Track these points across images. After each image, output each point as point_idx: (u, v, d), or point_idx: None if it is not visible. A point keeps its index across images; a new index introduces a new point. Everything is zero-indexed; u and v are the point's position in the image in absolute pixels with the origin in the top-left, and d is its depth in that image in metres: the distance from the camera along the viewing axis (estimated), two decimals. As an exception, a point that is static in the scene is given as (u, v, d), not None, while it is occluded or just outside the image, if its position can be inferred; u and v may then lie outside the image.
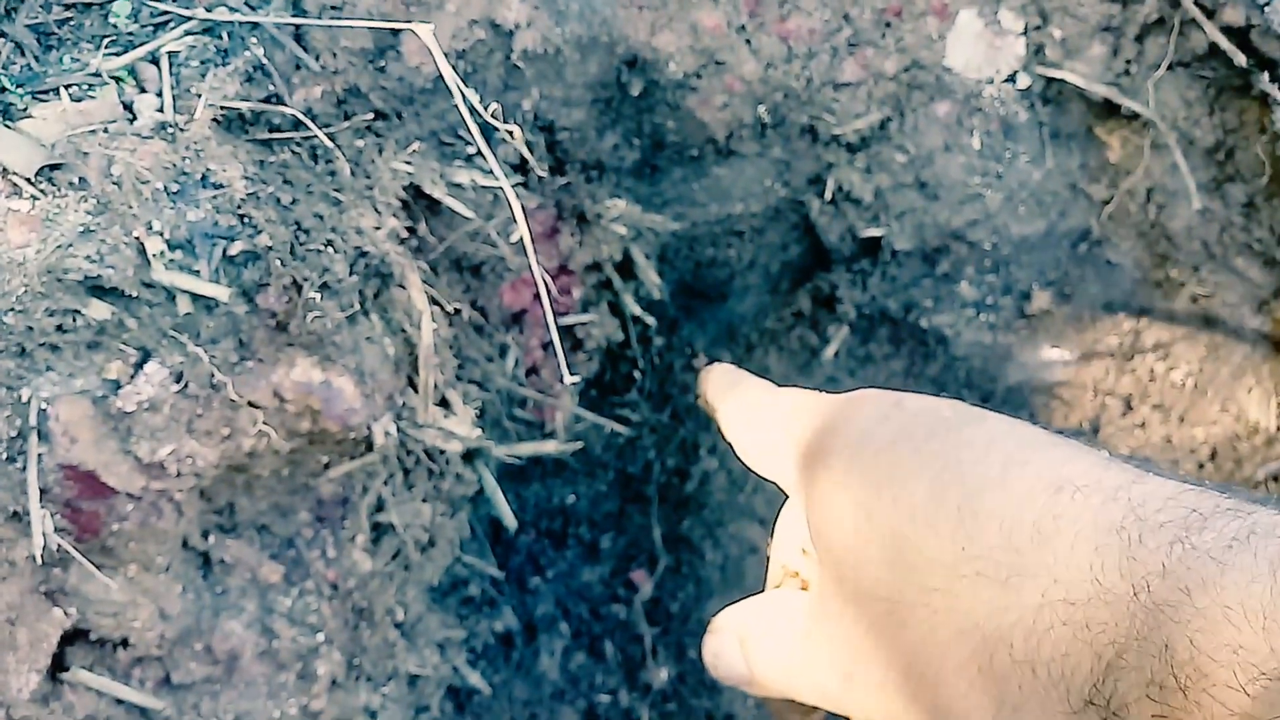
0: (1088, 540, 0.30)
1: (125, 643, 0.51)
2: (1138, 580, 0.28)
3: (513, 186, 0.57)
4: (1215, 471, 0.70)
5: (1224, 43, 0.60)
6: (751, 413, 0.45)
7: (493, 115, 0.54)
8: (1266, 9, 0.58)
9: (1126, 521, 0.29)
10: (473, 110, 0.52)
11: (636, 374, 0.75)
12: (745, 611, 0.44)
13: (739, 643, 0.43)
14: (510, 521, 0.63)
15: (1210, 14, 0.60)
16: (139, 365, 0.47)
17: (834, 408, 0.41)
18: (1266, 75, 0.60)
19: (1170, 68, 0.63)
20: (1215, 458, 0.70)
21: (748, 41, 0.64)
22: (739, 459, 0.46)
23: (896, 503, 0.34)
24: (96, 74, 0.50)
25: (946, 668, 0.33)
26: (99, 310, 0.46)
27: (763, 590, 0.47)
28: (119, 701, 0.52)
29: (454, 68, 0.57)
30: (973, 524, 0.32)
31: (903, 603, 0.34)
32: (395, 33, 0.56)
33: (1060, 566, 0.30)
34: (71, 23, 0.53)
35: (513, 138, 0.57)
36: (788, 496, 0.45)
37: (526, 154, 0.60)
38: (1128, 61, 0.64)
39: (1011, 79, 0.66)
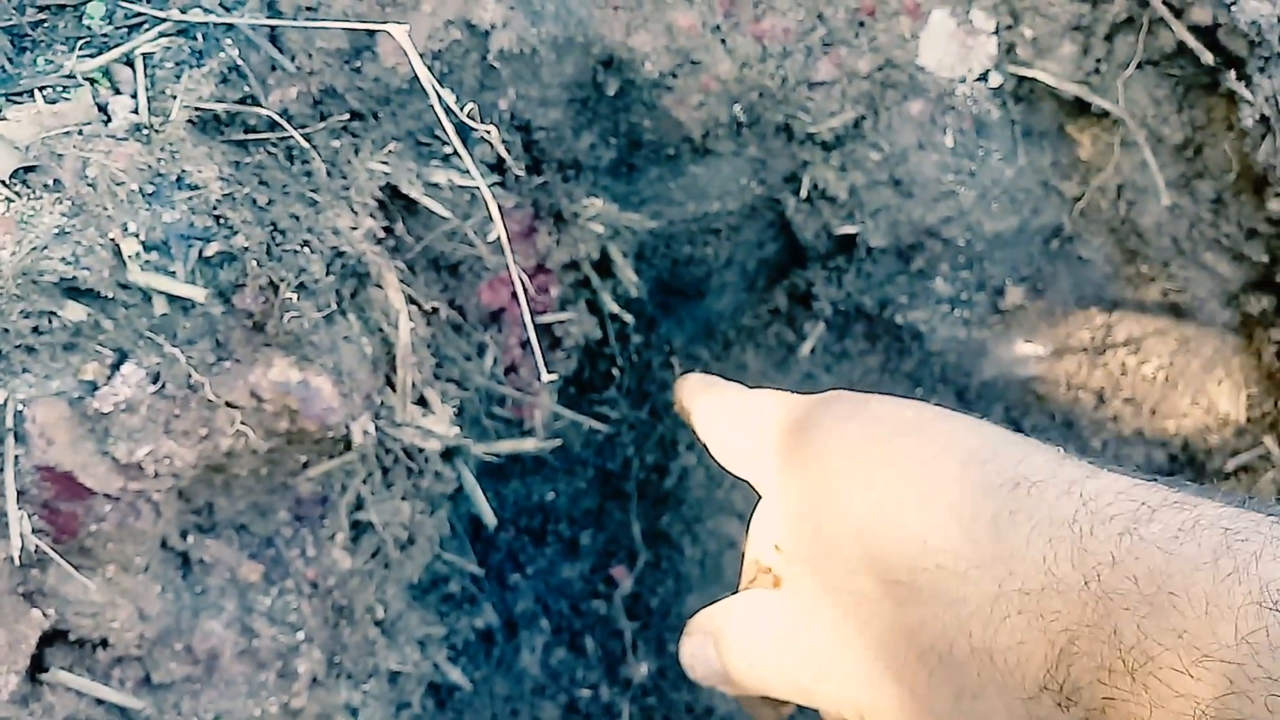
0: (1042, 533, 0.31)
1: (105, 643, 0.51)
2: (1088, 570, 0.29)
3: (489, 186, 0.57)
4: (1187, 463, 0.71)
5: (1192, 41, 0.61)
6: (725, 414, 0.46)
7: (469, 115, 0.54)
8: (1233, 8, 0.59)
9: (1079, 515, 0.30)
10: (449, 110, 0.53)
11: (615, 371, 0.76)
12: (719, 612, 0.45)
13: (714, 643, 0.44)
14: (490, 519, 0.63)
15: (1178, 13, 0.61)
16: (116, 366, 0.48)
17: (805, 409, 0.42)
18: (1233, 73, 0.60)
19: (1139, 66, 0.64)
20: (1186, 450, 0.71)
21: (723, 41, 0.64)
22: (714, 459, 0.47)
23: (863, 499, 0.36)
24: (71, 76, 0.50)
25: (910, 658, 0.34)
26: (75, 312, 0.46)
27: (736, 587, 0.48)
28: (99, 702, 0.52)
29: (430, 68, 0.57)
30: (934, 519, 0.33)
31: (869, 596, 0.35)
32: (371, 33, 0.56)
33: (1016, 559, 0.31)
34: (45, 24, 0.53)
35: (489, 137, 0.57)
36: (760, 496, 0.46)
37: (503, 153, 0.60)
38: (1098, 60, 0.65)
39: (984, 78, 0.67)
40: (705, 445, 0.48)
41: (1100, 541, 0.29)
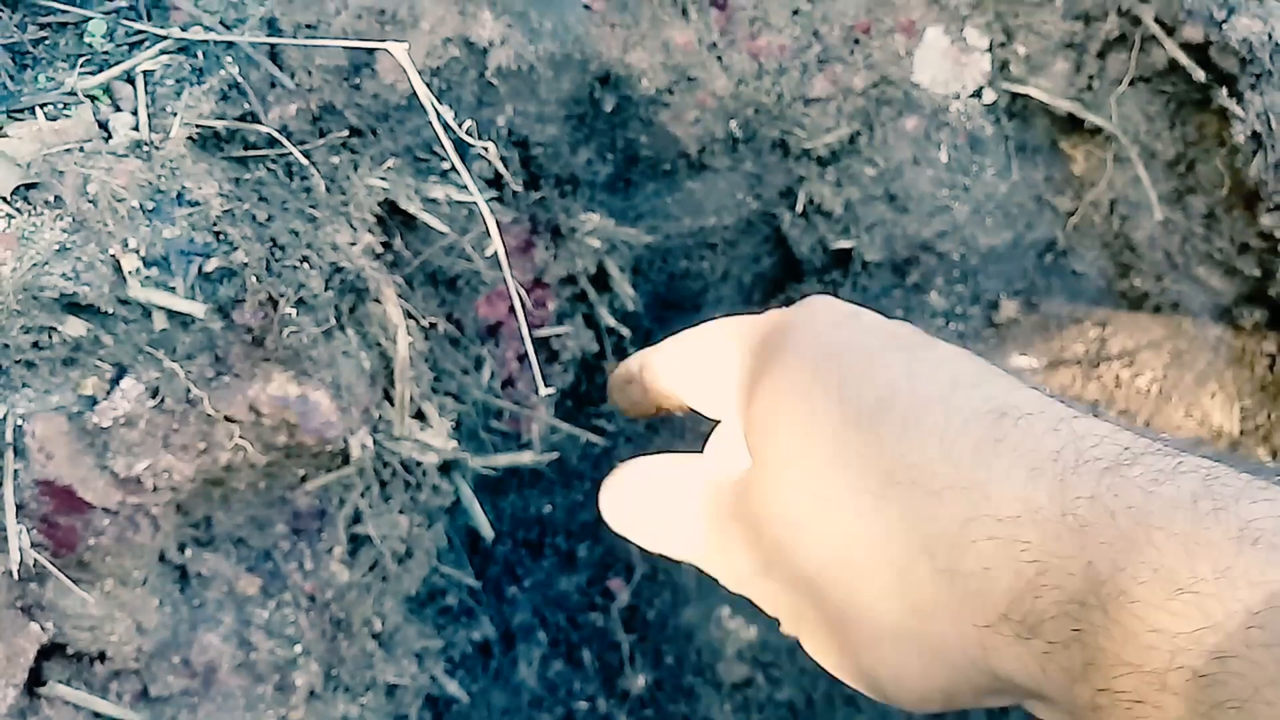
0: (1024, 463, 0.30)
1: (102, 656, 0.52)
2: (1067, 503, 0.29)
3: (487, 201, 0.57)
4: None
5: (1183, 59, 0.62)
6: (686, 349, 0.44)
7: (467, 132, 0.55)
8: (1224, 26, 0.59)
9: (1064, 451, 0.30)
10: (447, 127, 0.53)
11: (612, 385, 0.76)
12: (661, 465, 0.43)
13: (646, 493, 0.43)
14: (487, 532, 0.63)
15: (1170, 31, 0.62)
16: (115, 381, 0.48)
17: (785, 313, 0.40)
18: (1225, 90, 0.61)
19: (1132, 83, 0.64)
20: (1180, 463, 0.72)
21: (719, 58, 0.65)
22: (686, 407, 0.44)
23: (843, 404, 0.35)
24: (72, 93, 0.50)
25: (865, 569, 0.33)
26: (75, 327, 0.47)
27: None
28: (96, 715, 0.52)
29: (428, 85, 0.58)
30: (915, 435, 0.33)
31: (832, 500, 0.34)
32: (370, 50, 0.56)
33: (994, 485, 0.31)
34: (47, 42, 0.53)
35: (487, 154, 0.58)
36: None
37: (501, 169, 0.60)
38: (1090, 77, 0.66)
39: (978, 94, 0.68)
40: (667, 409, 0.45)
41: (1081, 478, 0.29)
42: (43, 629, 0.49)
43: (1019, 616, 0.29)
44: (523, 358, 0.67)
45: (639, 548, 0.71)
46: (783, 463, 0.36)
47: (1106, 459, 0.29)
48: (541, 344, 0.69)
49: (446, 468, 0.61)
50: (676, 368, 0.44)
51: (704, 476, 0.41)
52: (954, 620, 0.31)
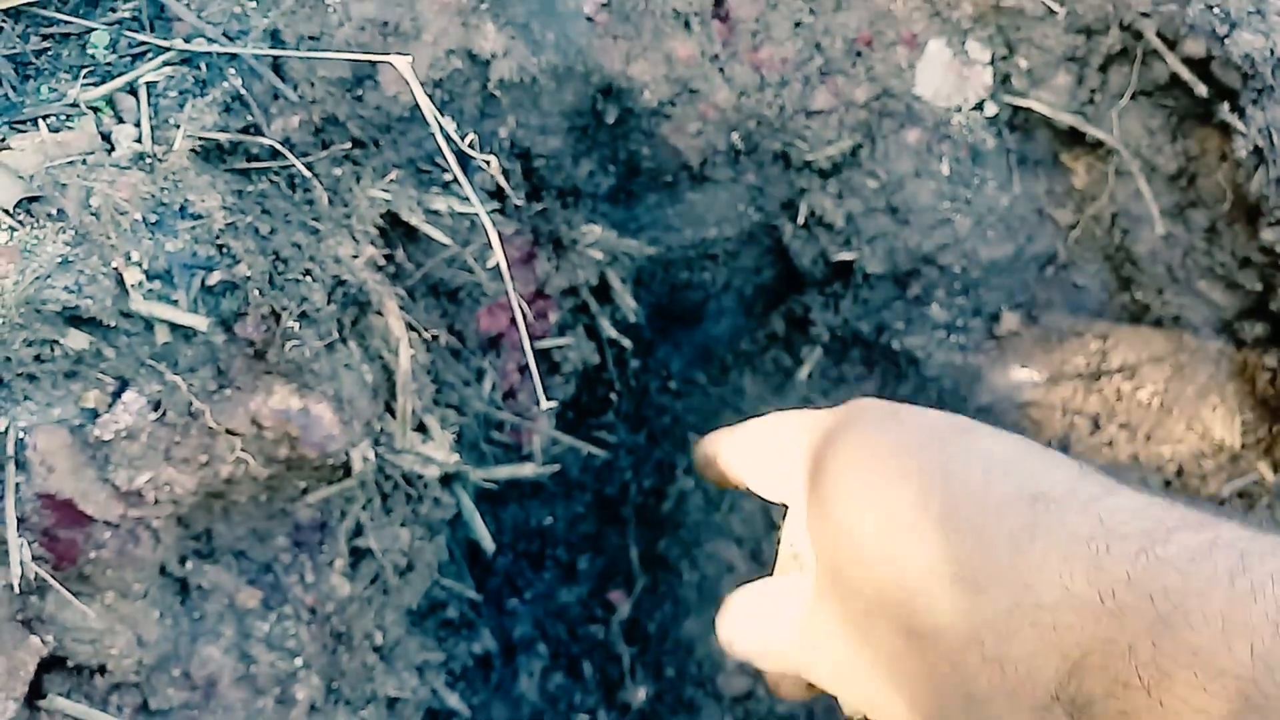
0: (1059, 549, 0.31)
1: (103, 669, 0.51)
2: (1104, 587, 0.30)
3: (489, 213, 0.57)
4: (1182, 488, 0.72)
5: (1185, 73, 0.62)
6: (752, 442, 0.47)
7: (470, 144, 0.55)
8: (1226, 41, 0.59)
9: (1096, 533, 0.31)
10: (449, 139, 0.53)
11: (613, 396, 0.76)
12: (755, 591, 0.46)
13: (749, 621, 0.45)
14: (489, 545, 0.63)
15: (1172, 45, 0.62)
16: (117, 394, 0.48)
17: (834, 418, 0.42)
18: (1227, 105, 0.61)
19: (1133, 97, 0.65)
20: (1181, 475, 0.72)
21: (721, 70, 0.65)
22: (752, 495, 0.48)
23: (886, 509, 0.36)
24: (74, 105, 0.50)
25: (923, 664, 0.34)
26: (77, 340, 0.46)
27: (770, 574, 0.48)
28: (96, 728, 0.52)
29: (431, 96, 0.58)
30: (953, 532, 0.34)
31: (887, 602, 0.36)
32: (373, 62, 0.56)
33: (1032, 573, 0.32)
34: (49, 53, 0.53)
35: (489, 166, 0.58)
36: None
37: (503, 181, 0.60)
38: (1092, 91, 0.66)
39: (979, 107, 0.68)
40: (736, 486, 0.48)
41: (1116, 560, 0.30)
42: (43, 642, 0.49)
43: (1068, 698, 0.30)
44: (524, 369, 0.67)
45: (636, 558, 0.71)
46: (837, 573, 0.38)
47: (1140, 536, 0.30)
48: (543, 356, 0.68)
49: (447, 480, 0.61)
50: (744, 460, 0.47)
51: (789, 596, 0.44)
52: (1010, 705, 0.32)
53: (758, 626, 0.45)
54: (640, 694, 0.75)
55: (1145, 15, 0.62)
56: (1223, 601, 0.27)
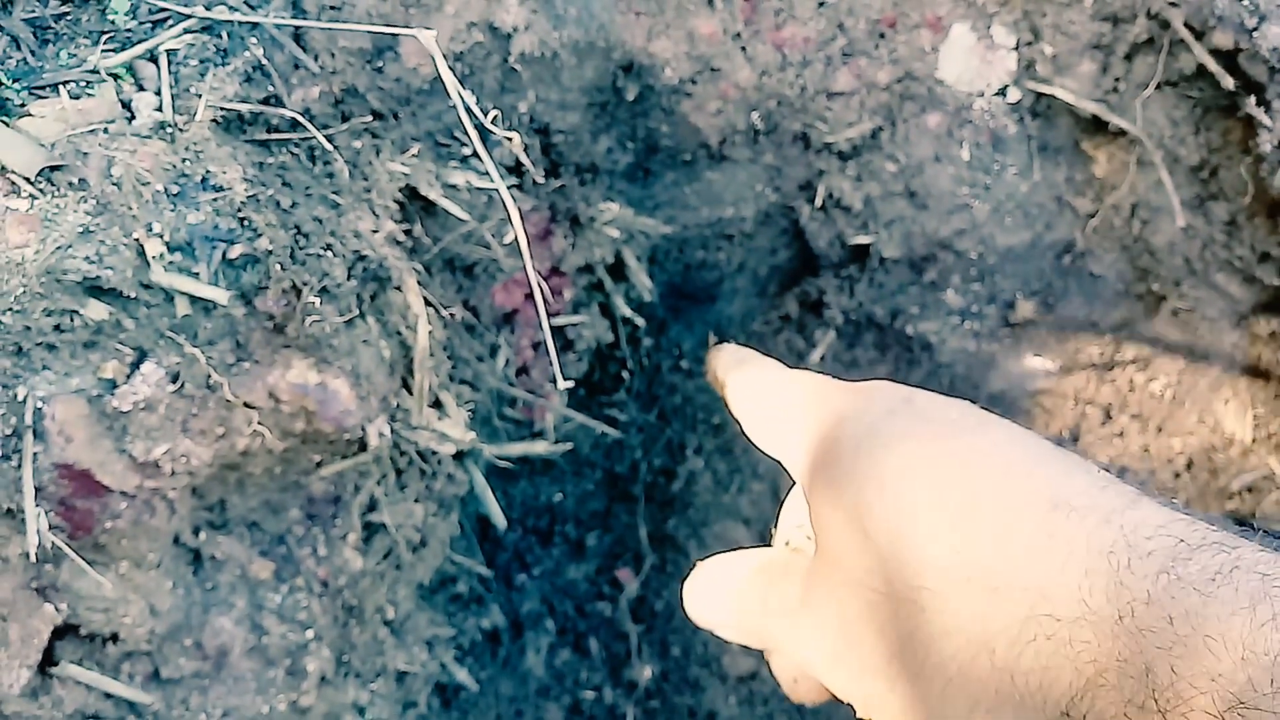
0: (1079, 561, 0.31)
1: (115, 638, 0.52)
2: (1123, 605, 0.29)
3: (508, 188, 0.57)
4: (1191, 481, 0.72)
5: (1212, 65, 0.61)
6: (761, 390, 0.45)
7: (492, 120, 0.54)
8: (1255, 34, 0.59)
9: (1117, 547, 0.30)
10: (470, 113, 0.53)
11: (625, 374, 0.76)
12: (737, 562, 0.45)
13: (724, 591, 0.44)
14: (500, 521, 0.63)
15: (1199, 36, 0.61)
16: (135, 365, 0.48)
17: (845, 398, 0.41)
18: (1253, 99, 0.61)
19: (1158, 87, 0.64)
20: (1191, 468, 0.72)
21: (743, 49, 0.64)
22: (743, 434, 0.46)
23: (898, 501, 0.35)
24: (95, 71, 0.50)
25: (927, 663, 0.34)
26: (97, 310, 0.46)
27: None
28: (108, 696, 0.52)
29: (451, 69, 0.57)
30: (969, 531, 0.33)
31: (892, 596, 0.35)
32: (395, 35, 0.56)
33: (1050, 583, 0.31)
34: (69, 17, 0.53)
35: (510, 141, 0.57)
36: (793, 481, 0.45)
37: (523, 157, 0.60)
38: (1116, 79, 0.65)
39: (1002, 93, 0.67)
40: (736, 419, 0.47)
41: (1137, 577, 0.29)
42: (57, 610, 0.49)
43: (1079, 715, 0.30)
44: (538, 345, 0.67)
45: (645, 536, 0.71)
46: (840, 560, 0.37)
47: (1162, 554, 0.29)
48: (557, 333, 0.68)
49: (461, 456, 0.61)
50: (745, 406, 0.45)
51: (776, 570, 0.43)
52: (1016, 715, 0.31)
53: (723, 598, 0.44)
54: (646, 672, 0.76)
55: (1173, 4, 0.61)
56: (1244, 628, 0.27)
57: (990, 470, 0.34)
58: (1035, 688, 0.31)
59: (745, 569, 0.44)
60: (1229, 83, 0.61)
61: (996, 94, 0.67)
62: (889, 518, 0.35)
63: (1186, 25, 0.61)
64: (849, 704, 0.39)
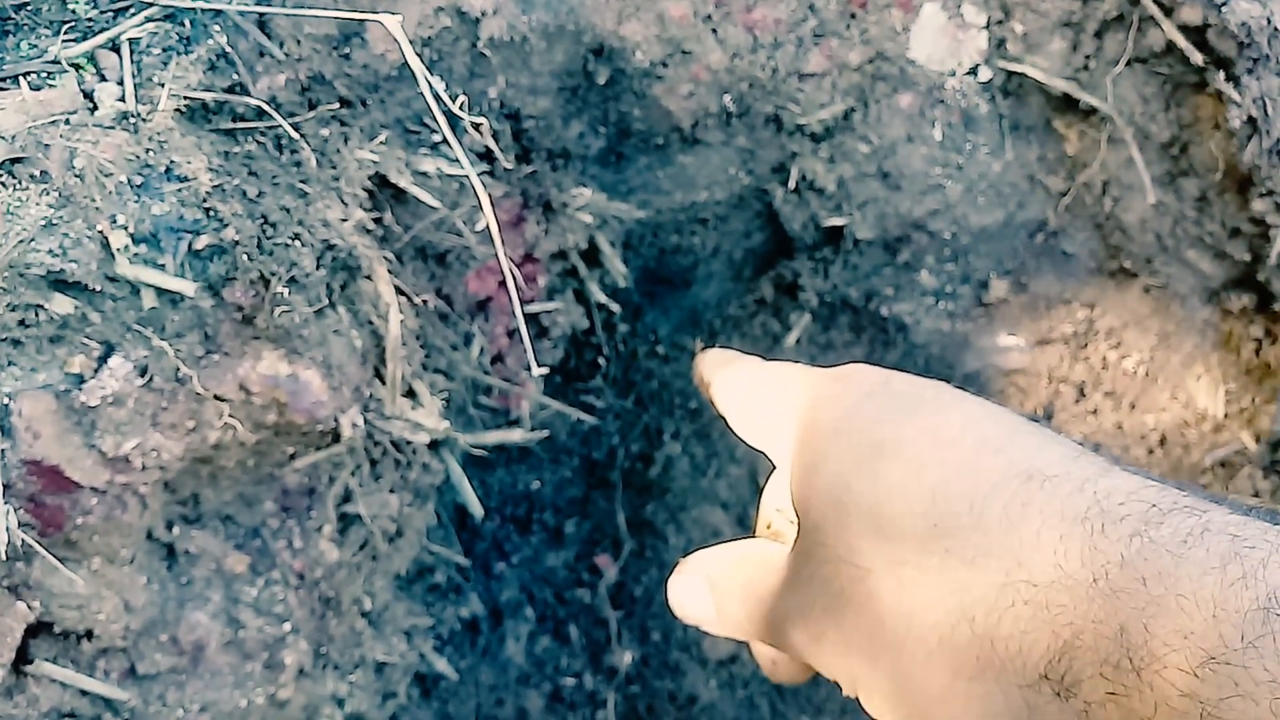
0: (1053, 528, 0.31)
1: (90, 635, 0.51)
2: (1098, 568, 0.30)
3: (478, 175, 0.57)
4: (1164, 457, 0.72)
5: (1181, 41, 0.61)
6: (744, 386, 0.47)
7: (460, 106, 0.54)
8: (1223, 9, 0.59)
9: (1091, 512, 0.31)
10: (438, 99, 0.52)
11: (601, 361, 0.76)
12: (719, 556, 0.46)
13: (708, 585, 0.45)
14: (477, 510, 0.63)
15: (1168, 12, 0.61)
16: (103, 359, 0.47)
17: (824, 382, 0.42)
18: (1222, 74, 0.61)
19: (1128, 64, 0.64)
20: (1164, 444, 0.72)
21: (714, 31, 0.64)
22: (731, 431, 0.47)
23: (875, 479, 0.36)
24: (56, 61, 0.49)
25: (909, 636, 0.34)
26: (62, 304, 0.46)
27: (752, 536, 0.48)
28: (84, 693, 0.52)
29: (419, 55, 0.57)
30: (945, 505, 0.34)
31: (874, 571, 0.35)
32: (361, 20, 0.55)
33: (1025, 550, 0.32)
34: (29, 7, 0.52)
35: (479, 127, 0.57)
36: (774, 467, 0.46)
37: (492, 143, 0.59)
38: (1087, 57, 0.65)
39: (973, 72, 0.67)
40: (723, 417, 0.48)
41: (1111, 541, 0.30)
42: (29, 608, 0.49)
43: (1057, 677, 0.30)
44: (512, 333, 0.67)
45: (623, 522, 0.71)
46: (821, 540, 0.38)
47: (1134, 518, 0.30)
48: (531, 320, 0.68)
49: (436, 445, 0.61)
50: (731, 403, 0.47)
51: (756, 559, 0.43)
52: (998, 681, 0.32)
53: (717, 592, 0.44)
54: (626, 658, 0.76)
55: (1142, -19, 0.62)
56: (1215, 587, 0.27)
57: (964, 446, 0.35)
58: (1015, 652, 0.31)
59: (727, 561, 0.45)
60: (1198, 58, 0.61)
61: (968, 73, 0.67)
62: (869, 496, 0.36)
63: (1155, 1, 0.61)
64: (834, 682, 0.40)
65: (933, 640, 0.34)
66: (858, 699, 0.38)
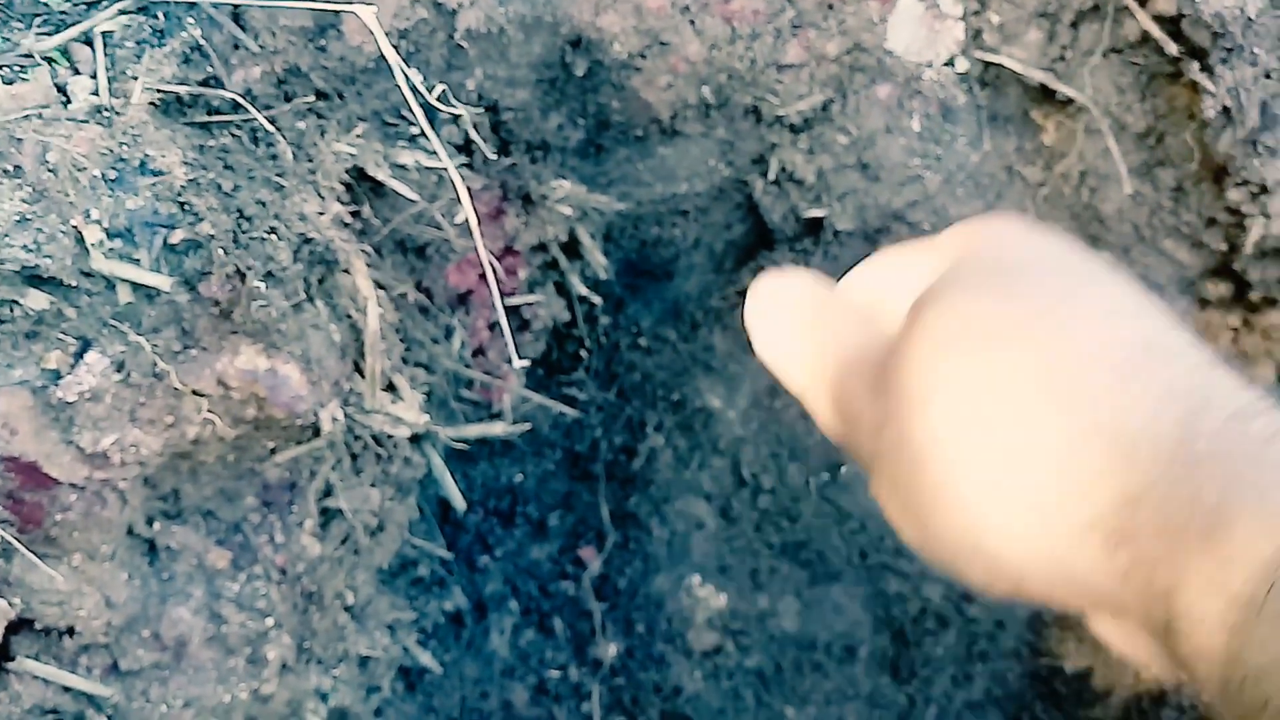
0: (1156, 392, 0.32)
1: (71, 631, 0.51)
2: (1187, 437, 0.31)
3: (457, 167, 0.57)
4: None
5: (1156, 31, 0.62)
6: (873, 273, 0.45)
7: (438, 98, 0.54)
8: (1197, 0, 0.59)
9: (1195, 392, 0.32)
10: (415, 91, 0.52)
11: (583, 353, 0.76)
12: (800, 282, 0.43)
13: (778, 309, 0.43)
14: (459, 503, 0.63)
15: (1143, 2, 0.62)
16: (79, 355, 0.47)
17: (972, 226, 0.42)
18: (1197, 64, 0.61)
19: (1104, 54, 0.65)
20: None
21: (692, 22, 0.64)
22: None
23: (1008, 310, 0.36)
24: (28, 55, 0.49)
25: (978, 450, 0.34)
26: (37, 300, 0.45)
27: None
28: (66, 690, 0.52)
29: (396, 47, 0.56)
30: (1063, 346, 0.34)
31: (968, 383, 0.35)
32: (336, 11, 0.55)
33: (1123, 403, 0.33)
34: (0, 1, 0.51)
35: (458, 121, 0.57)
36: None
37: (472, 134, 0.59)
38: (1063, 47, 0.66)
39: (950, 63, 0.67)
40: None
41: (1205, 420, 0.31)
42: (10, 605, 0.49)
43: (1116, 525, 0.31)
44: (493, 326, 0.67)
45: (607, 515, 0.71)
46: (937, 344, 0.37)
47: (1231, 408, 0.31)
48: (512, 312, 0.68)
49: (417, 439, 0.61)
50: (875, 273, 0.45)
51: (843, 310, 0.42)
52: (1053, 514, 0.33)
53: (784, 318, 0.43)
54: (611, 649, 0.76)
55: (1117, -29, 0.62)
56: None
57: (1099, 306, 0.35)
58: (1080, 492, 0.32)
59: (811, 292, 0.43)
60: (1172, 49, 0.62)
61: (945, 64, 0.67)
62: (998, 323, 0.36)
63: (1130, -8, 0.62)
64: (867, 471, 0.39)
65: (999, 456, 0.34)
66: (879, 501, 0.38)
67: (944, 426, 0.36)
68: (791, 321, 0.43)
